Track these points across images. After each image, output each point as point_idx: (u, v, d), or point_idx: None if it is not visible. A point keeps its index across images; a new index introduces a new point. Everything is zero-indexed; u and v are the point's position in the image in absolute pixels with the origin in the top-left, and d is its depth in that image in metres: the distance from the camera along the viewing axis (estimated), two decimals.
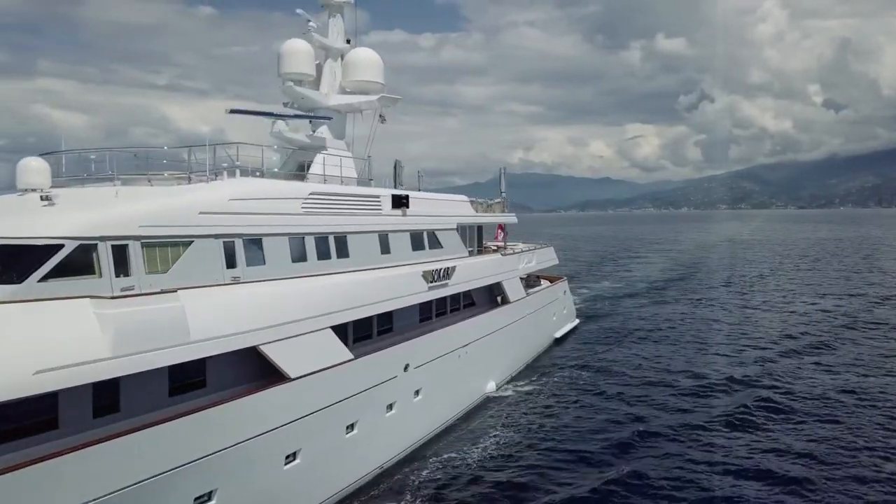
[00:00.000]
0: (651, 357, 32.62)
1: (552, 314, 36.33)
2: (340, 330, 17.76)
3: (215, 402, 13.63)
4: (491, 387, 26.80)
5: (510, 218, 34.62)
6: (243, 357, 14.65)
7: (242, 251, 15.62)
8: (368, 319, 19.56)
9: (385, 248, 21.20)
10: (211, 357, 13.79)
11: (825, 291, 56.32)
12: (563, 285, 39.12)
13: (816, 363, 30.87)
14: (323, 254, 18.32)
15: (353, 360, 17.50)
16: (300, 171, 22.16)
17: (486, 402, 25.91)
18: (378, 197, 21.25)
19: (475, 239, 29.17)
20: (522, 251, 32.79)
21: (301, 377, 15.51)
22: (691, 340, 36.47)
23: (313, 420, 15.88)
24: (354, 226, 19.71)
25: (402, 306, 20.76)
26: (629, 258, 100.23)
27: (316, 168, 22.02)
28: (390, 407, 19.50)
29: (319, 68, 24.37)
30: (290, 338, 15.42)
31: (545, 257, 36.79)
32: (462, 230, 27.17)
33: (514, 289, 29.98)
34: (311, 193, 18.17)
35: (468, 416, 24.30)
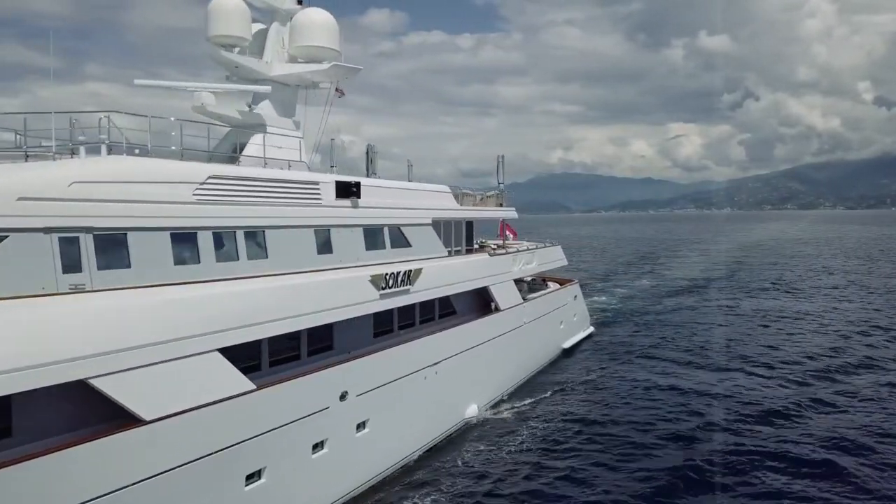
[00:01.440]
0: (674, 374, 28.04)
1: (559, 322, 32.00)
2: (242, 352, 13.91)
3: (18, 458, 9.90)
4: (472, 410, 22.68)
5: (508, 213, 30.43)
6: (84, 393, 10.91)
7: (91, 250, 11.84)
8: (293, 336, 15.66)
9: (325, 247, 17.25)
10: (17, 395, 10.06)
11: (877, 292, 50.71)
12: (573, 289, 34.69)
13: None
14: (225, 254, 14.45)
15: (253, 391, 13.60)
16: (235, 154, 18.38)
17: (465, 430, 21.81)
18: (316, 184, 17.29)
19: (462, 236, 25.12)
20: (518, 251, 28.54)
21: (162, 419, 11.67)
22: (728, 355, 31.61)
23: (182, 475, 12.02)
24: (278, 219, 15.80)
25: (342, 318, 16.82)
26: (668, 258, 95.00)
27: (252, 150, 18.23)
28: (319, 446, 15.57)
29: (264, 33, 20.52)
30: (145, 367, 11.58)
31: (550, 257, 32.45)
32: (440, 226, 23.14)
33: (506, 294, 25.80)
34: (210, 177, 14.27)
35: (438, 448, 20.24)
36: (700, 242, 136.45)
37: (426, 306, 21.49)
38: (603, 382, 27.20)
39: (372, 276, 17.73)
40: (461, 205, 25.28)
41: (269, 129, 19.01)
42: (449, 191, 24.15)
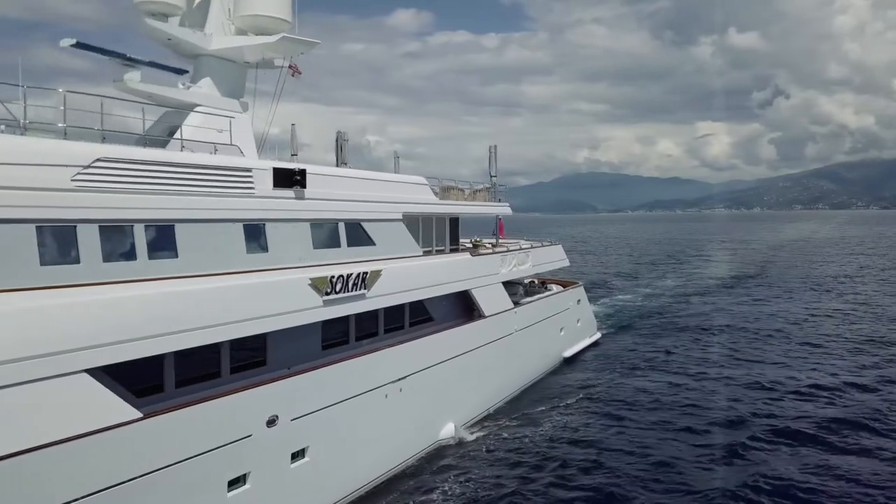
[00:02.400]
0: (686, 386, 25.10)
1: (559, 329, 29.22)
2: (135, 372, 11.49)
3: None
4: (448, 431, 20.07)
5: (502, 208, 27.73)
6: None
7: None
8: (212, 350, 13.19)
9: (257, 245, 14.75)
10: None
11: None
12: (576, 292, 31.83)
13: None
14: (116, 253, 12.01)
15: (138, 420, 11.13)
16: (167, 138, 15.99)
17: (437, 454, 19.21)
18: (247, 171, 14.76)
19: (445, 234, 22.57)
20: (509, 250, 25.81)
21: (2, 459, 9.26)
22: (753, 367, 28.49)
23: None
24: (192, 211, 13.32)
25: (274, 328, 14.32)
26: (693, 257, 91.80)
27: (187, 134, 15.83)
28: (238, 482, 13.07)
29: (207, 2, 18.10)
30: None
31: (548, 257, 29.66)
32: (416, 222, 20.60)
33: (492, 299, 23.12)
34: (98, 160, 11.82)
35: (401, 476, 17.68)
36: (728, 242, 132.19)
37: (393, 313, 18.94)
38: (603, 395, 24.38)
39: (313, 279, 15.18)
40: (445, 199, 22.67)
41: (201, 109, 16.58)
42: (425, 182, 21.52)
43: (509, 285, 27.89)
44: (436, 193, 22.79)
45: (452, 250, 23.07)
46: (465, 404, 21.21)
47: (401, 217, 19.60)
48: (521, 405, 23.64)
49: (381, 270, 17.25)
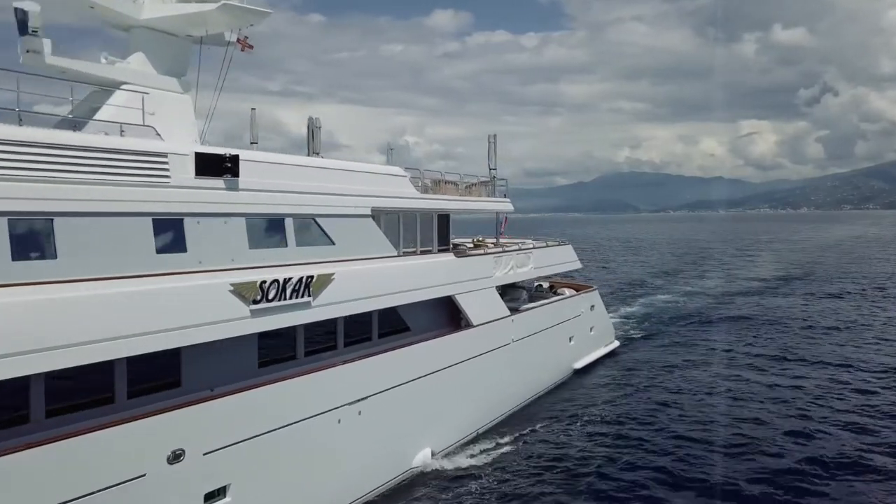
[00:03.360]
0: (712, 402, 22.14)
1: (567, 337, 26.42)
2: None
3: None
4: (424, 457, 17.52)
5: (503, 204, 25.07)
6: None
7: None
8: (93, 371, 10.88)
9: (171, 244, 12.40)
10: None
11: None
12: (589, 297, 28.94)
13: None
14: None
15: None
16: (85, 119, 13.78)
17: (409, 485, 16.69)
18: (161, 157, 12.44)
19: (431, 232, 20.15)
20: (504, 251, 23.10)
21: None
22: (796, 396, 25.36)
23: None
24: (80, 203, 11.04)
25: (187, 343, 11.96)
26: (735, 257, 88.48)
27: (108, 114, 13.64)
28: None
29: None
30: None
31: (554, 259, 26.85)
32: (393, 219, 18.17)
33: (482, 305, 20.50)
34: None
35: None
36: (773, 242, 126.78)
37: (357, 323, 16.50)
38: (612, 413, 21.59)
39: (236, 285, 12.77)
40: (431, 193, 20.15)
41: (129, 87, 14.34)
42: (403, 174, 18.99)
43: (512, 289, 25.35)
44: (425, 188, 20.35)
45: (442, 251, 20.57)
46: (446, 426, 18.64)
47: (369, 213, 17.14)
48: (517, 424, 20.96)
49: (332, 274, 14.77)
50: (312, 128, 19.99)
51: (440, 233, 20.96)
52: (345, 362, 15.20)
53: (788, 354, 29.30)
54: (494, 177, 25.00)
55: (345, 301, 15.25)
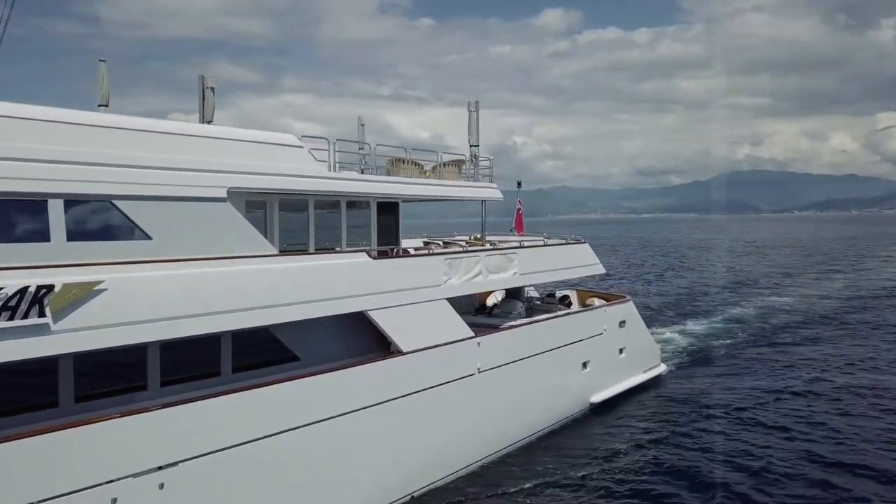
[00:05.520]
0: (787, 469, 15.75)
1: (581, 362, 20.44)
2: None
3: None
4: None
5: (489, 192, 19.56)
6: None
7: None
8: None
9: None
10: None
11: None
12: (619, 310, 22.50)
13: None
14: None
15: None
16: None
17: None
18: None
19: (370, 227, 15.40)
20: (466, 251, 17.50)
21: None
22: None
23: None
24: None
25: None
26: (865, 259, 79.52)
27: None
28: None
29: None
30: None
31: (557, 261, 20.73)
32: (291, 205, 13.44)
33: (416, 324, 15.01)
34: None
35: None
36: None
37: (189, 351, 11.65)
38: (626, 471, 15.64)
39: None
40: (329, 172, 14.99)
41: None
42: (298, 143, 13.94)
43: (506, 301, 19.94)
44: (365, 170, 15.52)
45: (383, 253, 15.53)
46: (343, 495, 13.36)
47: (224, 196, 12.25)
48: (478, 483, 15.45)
49: (100, 282, 9.87)
50: (203, 88, 15.45)
51: (383, 227, 15.94)
52: (137, 412, 10.31)
53: None
54: (476, 155, 19.50)
55: (145, 321, 10.35)
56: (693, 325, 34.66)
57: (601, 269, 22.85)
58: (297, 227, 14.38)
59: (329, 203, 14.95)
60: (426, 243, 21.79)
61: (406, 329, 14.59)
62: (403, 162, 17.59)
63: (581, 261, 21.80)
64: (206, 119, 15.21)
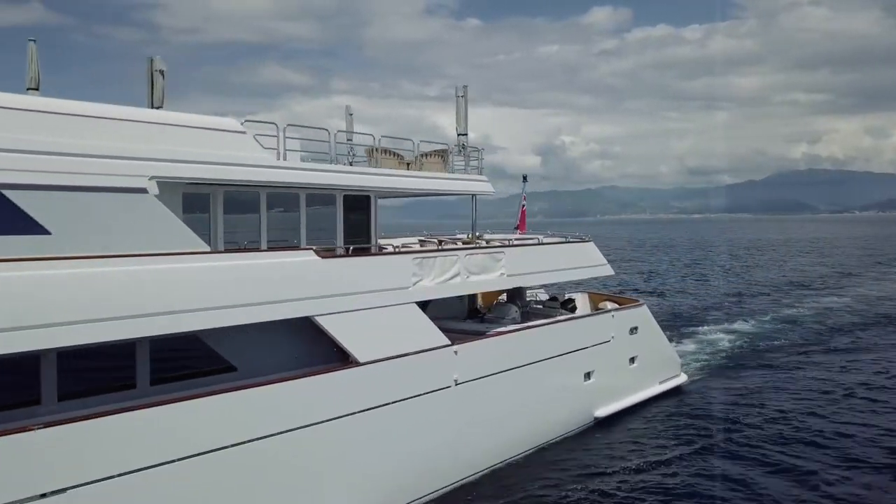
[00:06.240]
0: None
1: (583, 373, 18.59)
2: None
3: None
4: None
5: (479, 185, 17.90)
6: None
7: None
8: None
9: None
10: None
11: None
12: (631, 315, 20.51)
13: None
14: None
15: None
16: None
17: None
18: None
19: (334, 224, 14.12)
20: (440, 249, 15.84)
21: None
22: None
23: None
24: None
25: None
26: None
27: None
28: None
29: None
30: None
31: (556, 261, 18.90)
32: (211, 200, 12.03)
33: (374, 332, 13.44)
34: None
35: None
36: None
37: (97, 362, 10.35)
38: (624, 496, 13.87)
39: None
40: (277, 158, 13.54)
41: None
42: (240, 129, 12.54)
43: (500, 305, 18.32)
44: (322, 158, 14.12)
45: (354, 251, 14.08)
46: None
47: (143, 186, 10.89)
48: None
49: None
50: (152, 72, 14.19)
51: (352, 224, 14.50)
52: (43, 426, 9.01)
53: None
54: (464, 145, 17.84)
55: (37, 326, 9.05)
56: (741, 325, 33.61)
57: (609, 271, 20.91)
58: (248, 223, 13.05)
59: (287, 197, 13.58)
60: (422, 242, 20.25)
61: (363, 337, 13.06)
62: (381, 152, 16.10)
63: (584, 261, 19.90)
64: (154, 105, 13.95)
